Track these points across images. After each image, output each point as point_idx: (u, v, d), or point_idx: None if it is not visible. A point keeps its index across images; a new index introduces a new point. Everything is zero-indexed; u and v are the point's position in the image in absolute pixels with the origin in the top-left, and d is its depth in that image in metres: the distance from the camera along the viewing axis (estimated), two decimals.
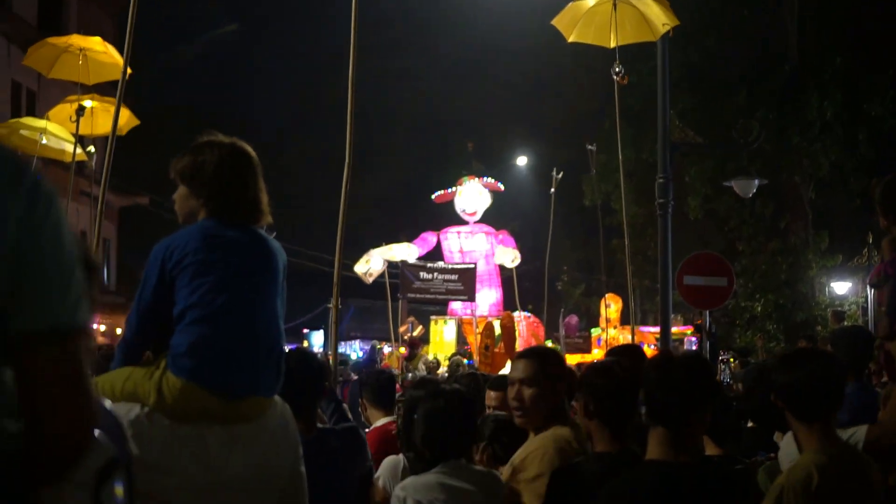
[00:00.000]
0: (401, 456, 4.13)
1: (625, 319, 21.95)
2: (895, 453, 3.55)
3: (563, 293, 33.62)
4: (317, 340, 29.68)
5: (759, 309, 18.72)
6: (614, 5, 8.35)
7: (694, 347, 20.99)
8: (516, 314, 19.37)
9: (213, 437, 2.91)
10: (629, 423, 3.32)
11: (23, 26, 23.38)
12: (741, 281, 17.74)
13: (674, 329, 16.86)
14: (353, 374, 13.56)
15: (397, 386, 11.26)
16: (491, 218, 26.46)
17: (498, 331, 17.95)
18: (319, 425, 4.03)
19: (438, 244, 25.83)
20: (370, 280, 24.01)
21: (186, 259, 2.97)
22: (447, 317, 23.80)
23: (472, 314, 22.00)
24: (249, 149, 3.26)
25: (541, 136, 32.92)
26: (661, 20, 8.33)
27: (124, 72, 6.89)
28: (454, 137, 31.85)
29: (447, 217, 26.46)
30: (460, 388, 3.88)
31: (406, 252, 23.96)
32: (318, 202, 25.78)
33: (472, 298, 22.79)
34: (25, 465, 1.56)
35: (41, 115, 12.50)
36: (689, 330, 22.99)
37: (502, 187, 26.62)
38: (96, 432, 1.69)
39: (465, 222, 26.00)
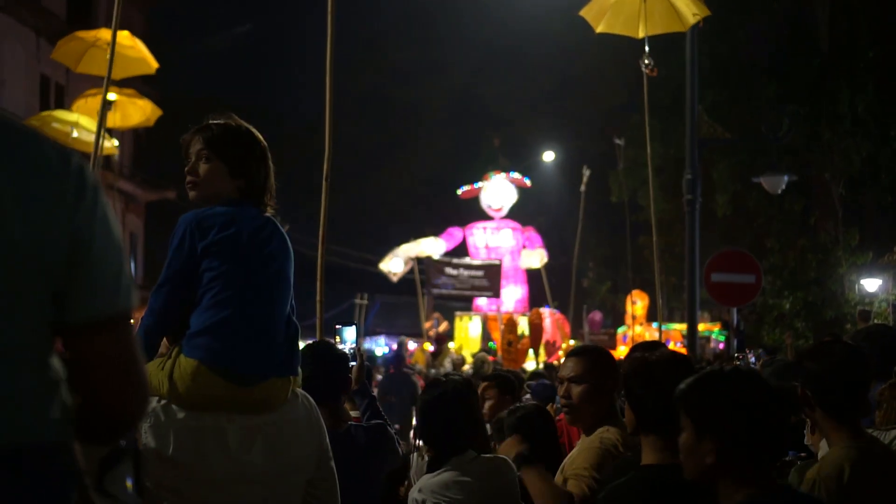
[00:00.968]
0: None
1: (651, 316, 21.80)
2: None
3: (588, 289, 33.48)
4: (349, 336, 29.82)
5: (788, 306, 18.49)
6: None
7: (720, 347, 20.82)
8: (542, 310, 19.30)
9: (234, 429, 2.88)
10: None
11: (52, 20, 23.57)
12: (769, 278, 17.52)
13: (700, 325, 16.73)
14: (381, 369, 13.53)
15: (422, 383, 11.26)
16: (517, 214, 26.34)
17: (521, 327, 17.88)
18: (352, 422, 4.01)
19: (464, 240, 25.76)
20: (395, 279, 24.03)
21: (219, 238, 2.94)
22: (472, 313, 23.76)
23: (498, 310, 21.92)
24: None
25: (568, 131, 32.75)
26: (692, 10, 8.20)
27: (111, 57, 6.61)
28: (481, 132, 31.76)
29: (473, 213, 26.39)
30: (457, 378, 3.84)
31: (433, 247, 23.93)
32: (345, 193, 25.72)
33: (497, 295, 22.73)
34: (79, 432, 1.61)
35: (69, 110, 12.52)
36: (716, 328, 22.82)
37: (529, 183, 26.47)
38: None
39: (490, 218, 25.89)
